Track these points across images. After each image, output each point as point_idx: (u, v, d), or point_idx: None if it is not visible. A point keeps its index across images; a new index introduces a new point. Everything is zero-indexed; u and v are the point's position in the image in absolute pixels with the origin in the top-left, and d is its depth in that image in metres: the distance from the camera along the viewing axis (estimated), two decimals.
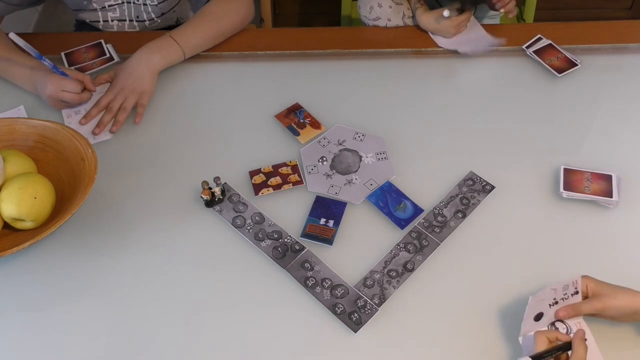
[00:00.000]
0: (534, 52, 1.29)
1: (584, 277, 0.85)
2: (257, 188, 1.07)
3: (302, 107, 1.20)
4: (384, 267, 0.96)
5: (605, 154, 1.11)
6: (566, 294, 0.85)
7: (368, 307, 0.91)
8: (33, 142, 1.07)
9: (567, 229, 1.01)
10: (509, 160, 1.11)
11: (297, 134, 1.16)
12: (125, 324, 0.91)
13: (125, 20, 1.37)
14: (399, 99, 1.22)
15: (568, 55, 1.28)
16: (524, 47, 1.30)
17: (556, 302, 0.85)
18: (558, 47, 1.30)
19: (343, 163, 1.11)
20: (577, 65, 1.26)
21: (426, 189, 1.06)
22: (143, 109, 1.18)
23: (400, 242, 0.99)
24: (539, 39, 1.31)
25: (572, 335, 0.80)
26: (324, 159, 1.11)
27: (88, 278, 0.96)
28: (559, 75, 1.25)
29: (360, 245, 0.99)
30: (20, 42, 1.10)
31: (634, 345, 0.87)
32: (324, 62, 1.31)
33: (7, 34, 1.23)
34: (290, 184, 1.07)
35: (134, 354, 0.88)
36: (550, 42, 1.31)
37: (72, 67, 1.27)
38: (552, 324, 0.86)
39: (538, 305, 0.85)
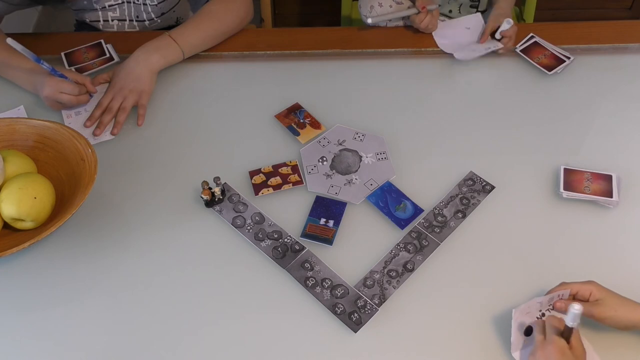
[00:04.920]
0: (521, 50, 1.29)
1: (590, 282, 0.85)
2: (257, 188, 1.07)
3: (302, 107, 1.20)
4: (384, 267, 0.96)
5: (605, 154, 1.11)
6: (552, 305, 0.85)
7: (368, 307, 0.91)
8: (33, 142, 1.07)
9: (567, 229, 1.01)
10: (509, 160, 1.11)
11: (297, 134, 1.16)
12: (125, 324, 0.91)
13: (125, 20, 1.37)
14: (399, 99, 1.22)
15: (555, 51, 1.28)
16: (516, 47, 1.30)
17: (543, 315, 0.85)
18: (544, 44, 1.30)
19: (343, 163, 1.11)
20: (566, 60, 1.26)
21: (426, 189, 1.06)
22: (144, 110, 1.18)
23: (400, 242, 0.99)
24: (530, 37, 1.31)
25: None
26: (324, 159, 1.11)
27: (88, 278, 0.96)
28: (549, 72, 1.25)
29: (360, 245, 0.99)
30: (18, 46, 1.10)
31: (632, 350, 0.87)
32: (324, 62, 1.31)
33: (5, 35, 1.24)
34: (290, 184, 1.07)
35: (135, 353, 0.88)
36: (536, 39, 1.31)
37: (72, 67, 1.27)
38: (543, 314, 0.86)
39: (524, 318, 0.85)
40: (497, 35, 1.29)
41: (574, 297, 0.85)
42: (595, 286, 0.84)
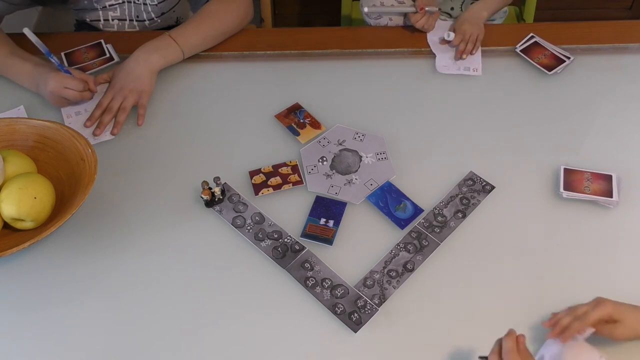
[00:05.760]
0: (521, 50, 1.29)
1: (602, 304, 0.82)
2: (257, 188, 1.07)
3: (302, 107, 1.20)
4: (384, 267, 0.96)
5: (605, 154, 1.11)
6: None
7: (368, 307, 0.91)
8: (33, 142, 1.07)
9: (567, 229, 1.01)
10: (509, 160, 1.11)
11: (297, 134, 1.16)
12: (125, 324, 0.91)
13: (125, 19, 1.37)
14: (399, 99, 1.22)
15: (555, 51, 1.28)
16: (516, 47, 1.30)
17: None
18: (544, 45, 1.30)
19: (343, 163, 1.11)
20: (566, 60, 1.26)
21: (426, 189, 1.06)
22: (144, 110, 1.18)
23: (400, 242, 0.99)
24: (530, 37, 1.31)
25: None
26: (324, 159, 1.11)
27: (88, 278, 0.96)
28: (549, 72, 1.25)
29: (360, 245, 0.99)
30: (33, 37, 1.12)
31: (632, 350, 0.87)
32: (324, 62, 1.31)
33: (6, 35, 1.24)
34: (290, 184, 1.07)
35: (135, 353, 0.88)
36: (536, 39, 1.31)
37: (72, 67, 1.27)
38: None
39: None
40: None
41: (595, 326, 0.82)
42: (612, 307, 0.82)
